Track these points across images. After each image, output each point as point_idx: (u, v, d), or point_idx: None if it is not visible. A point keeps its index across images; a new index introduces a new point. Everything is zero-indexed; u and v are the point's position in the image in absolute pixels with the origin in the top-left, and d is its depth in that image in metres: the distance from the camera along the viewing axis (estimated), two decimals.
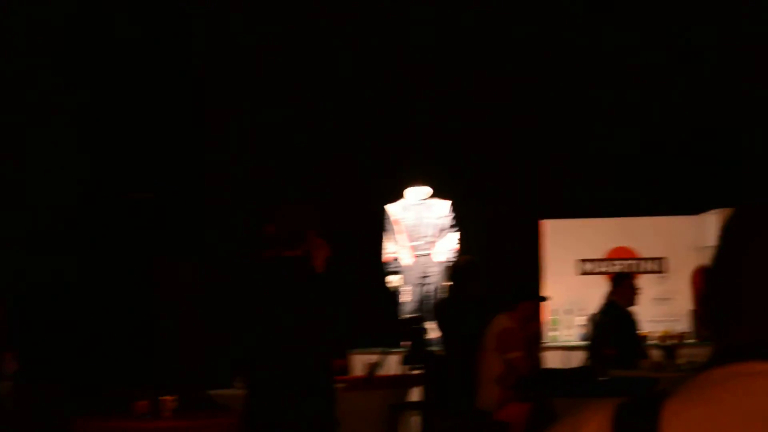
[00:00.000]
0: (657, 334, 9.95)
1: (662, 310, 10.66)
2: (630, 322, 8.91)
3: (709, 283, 1.25)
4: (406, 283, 10.75)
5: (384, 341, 8.93)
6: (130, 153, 11.05)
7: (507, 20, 11.53)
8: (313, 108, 11.61)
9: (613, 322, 8.72)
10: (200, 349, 10.12)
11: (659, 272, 10.90)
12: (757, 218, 1.22)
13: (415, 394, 8.65)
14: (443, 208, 10.82)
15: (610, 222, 11.10)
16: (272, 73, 11.45)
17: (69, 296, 10.57)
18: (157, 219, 10.96)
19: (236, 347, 5.44)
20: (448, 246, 10.71)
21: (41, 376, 9.82)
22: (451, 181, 11.09)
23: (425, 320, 9.73)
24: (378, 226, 10.89)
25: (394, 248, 10.84)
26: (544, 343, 10.04)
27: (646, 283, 9.15)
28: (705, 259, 1.27)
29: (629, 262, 10.92)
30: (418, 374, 8.18)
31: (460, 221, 10.84)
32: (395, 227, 10.83)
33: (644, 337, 9.44)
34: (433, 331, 9.43)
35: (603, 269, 10.94)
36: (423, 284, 10.71)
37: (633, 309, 9.03)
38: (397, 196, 10.90)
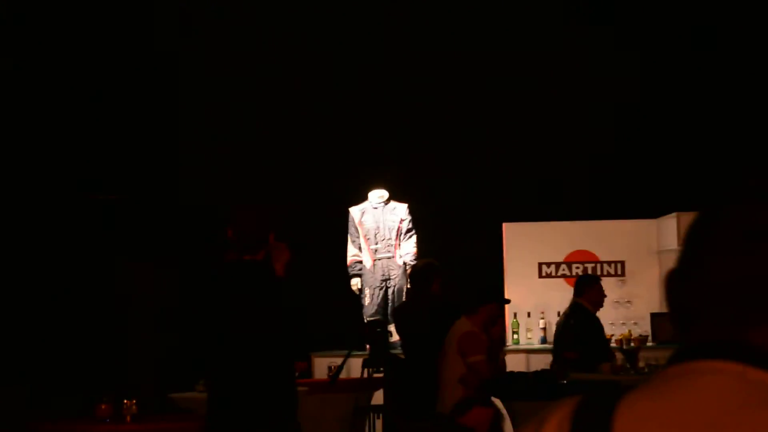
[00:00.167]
0: (617, 338, 10.02)
1: (622, 313, 10.74)
2: (598, 326, 8.94)
3: (671, 284, 1.28)
4: (366, 286, 10.76)
5: (347, 344, 8.93)
6: (98, 153, 10.98)
7: (469, 21, 11.59)
8: (282, 110, 11.60)
9: (578, 326, 8.75)
10: (161, 353, 10.08)
11: (619, 275, 10.97)
12: (712, 220, 1.26)
13: (379, 397, 8.65)
14: (401, 210, 10.84)
15: (569, 225, 11.16)
16: (242, 75, 11.43)
17: (30, 299, 10.49)
18: (121, 221, 10.90)
19: (197, 351, 5.42)
20: (407, 249, 10.74)
21: (1, 380, 9.75)
22: (411, 184, 11.12)
23: (387, 323, 9.74)
24: (341, 228, 10.90)
25: (356, 251, 10.86)
26: (506, 346, 10.08)
27: (605, 287, 9.20)
28: (664, 262, 1.31)
29: (589, 265, 10.99)
30: (380, 377, 8.18)
31: (422, 224, 10.87)
32: (358, 230, 10.84)
33: (609, 341, 9.50)
34: (394, 334, 9.45)
35: (563, 272, 11.02)
36: (384, 287, 10.73)
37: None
38: (360, 198, 10.92)
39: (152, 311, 10.50)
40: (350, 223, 10.89)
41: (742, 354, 1.18)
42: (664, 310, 1.38)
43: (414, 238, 10.77)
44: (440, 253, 9.57)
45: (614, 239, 11.04)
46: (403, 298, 10.23)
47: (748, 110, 10.89)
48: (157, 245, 10.81)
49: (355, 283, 10.83)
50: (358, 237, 10.82)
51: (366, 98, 11.48)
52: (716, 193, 1.27)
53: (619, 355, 8.81)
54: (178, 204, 11.12)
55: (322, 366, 9.83)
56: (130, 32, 11.17)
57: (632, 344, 9.83)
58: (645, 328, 10.60)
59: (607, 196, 11.26)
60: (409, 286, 9.18)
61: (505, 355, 8.81)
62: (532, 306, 10.83)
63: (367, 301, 10.72)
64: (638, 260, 10.88)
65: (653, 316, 10.54)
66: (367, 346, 9.11)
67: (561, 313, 9.27)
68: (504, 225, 11.10)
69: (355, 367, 8.77)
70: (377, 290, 10.71)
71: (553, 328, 9.53)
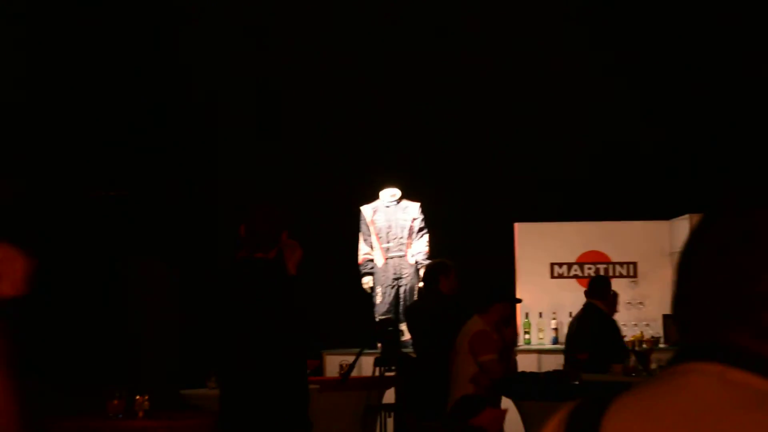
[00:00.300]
0: (629, 339, 10.00)
1: (634, 314, 10.72)
2: (614, 327, 8.92)
3: (674, 287, 1.33)
4: (378, 284, 10.77)
5: (359, 342, 8.93)
6: (102, 150, 10.99)
7: (478, 23, 11.57)
8: (289, 109, 11.61)
9: (594, 327, 8.73)
10: (173, 349, 10.10)
11: (631, 277, 10.96)
12: (704, 227, 1.31)
13: (390, 396, 8.66)
14: (413, 209, 10.84)
15: (582, 225, 11.15)
16: (255, 74, 11.44)
17: (40, 295, 10.52)
18: (130, 217, 10.92)
19: (209, 348, 5.43)
20: (419, 248, 10.74)
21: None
22: (423, 183, 11.12)
23: (398, 322, 9.75)
24: (354, 227, 10.91)
25: (367, 249, 10.86)
26: (518, 346, 10.07)
27: (618, 287, 9.21)
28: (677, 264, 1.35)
29: (601, 266, 10.98)
30: (391, 376, 8.18)
31: (434, 223, 10.87)
32: (370, 228, 10.85)
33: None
34: (406, 332, 9.45)
35: (575, 273, 11.00)
36: (396, 286, 10.73)
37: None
38: (372, 197, 10.92)
39: (163, 308, 10.52)
40: (362, 222, 10.89)
41: (723, 355, 1.23)
42: None
43: (426, 237, 10.77)
44: (452, 253, 9.56)
45: (627, 240, 11.02)
46: (415, 297, 10.23)
47: (763, 112, 10.85)
48: (169, 242, 10.83)
49: (367, 281, 10.84)
50: (370, 235, 10.83)
51: (379, 98, 11.48)
52: (713, 200, 1.33)
53: (631, 357, 8.79)
54: (189, 201, 11.14)
55: (333, 364, 9.84)
56: (133, 31, 11.18)
57: (644, 346, 9.83)
58: (657, 329, 10.59)
59: (620, 197, 11.25)
60: (421, 284, 9.18)
61: (516, 355, 8.80)
62: (543, 306, 10.81)
63: (378, 299, 10.72)
64: (651, 261, 10.86)
65: (665, 317, 10.52)
66: (379, 345, 9.12)
67: (573, 314, 9.26)
68: (516, 225, 11.10)
69: (366, 366, 8.77)
70: (389, 289, 10.71)
71: (565, 328, 9.53)
